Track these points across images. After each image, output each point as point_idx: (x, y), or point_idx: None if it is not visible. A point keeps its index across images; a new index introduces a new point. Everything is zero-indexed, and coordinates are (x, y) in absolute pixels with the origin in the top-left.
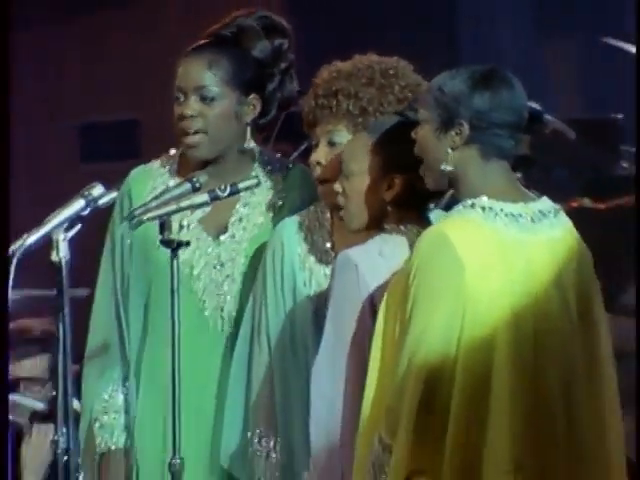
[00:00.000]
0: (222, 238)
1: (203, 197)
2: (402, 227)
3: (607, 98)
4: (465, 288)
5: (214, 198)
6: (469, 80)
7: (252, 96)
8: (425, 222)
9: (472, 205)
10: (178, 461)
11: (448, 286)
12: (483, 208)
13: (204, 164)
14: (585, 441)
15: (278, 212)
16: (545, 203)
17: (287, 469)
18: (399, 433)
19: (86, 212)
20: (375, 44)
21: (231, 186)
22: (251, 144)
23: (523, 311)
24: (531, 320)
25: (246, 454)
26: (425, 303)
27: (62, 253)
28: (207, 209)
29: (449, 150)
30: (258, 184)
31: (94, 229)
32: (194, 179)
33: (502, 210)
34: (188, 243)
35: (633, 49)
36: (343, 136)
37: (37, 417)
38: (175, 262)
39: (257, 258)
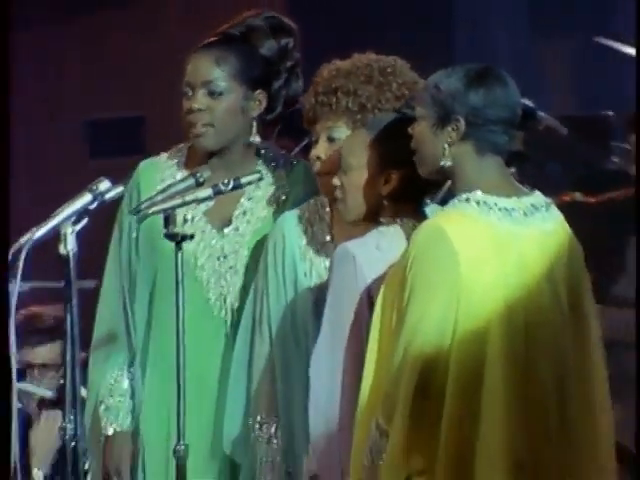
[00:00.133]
0: (226, 231)
1: (207, 191)
2: (398, 221)
3: (598, 96)
4: (460, 280)
5: (217, 192)
6: (464, 78)
7: (258, 92)
8: (421, 216)
9: (467, 199)
10: (182, 447)
11: (444, 278)
12: (478, 202)
13: (211, 156)
14: (576, 430)
15: (282, 206)
16: (537, 197)
17: (288, 452)
18: (395, 418)
19: (93, 206)
20: (375, 44)
21: (234, 180)
22: (257, 139)
23: (515, 303)
24: (523, 312)
25: (248, 440)
26: (421, 294)
27: (70, 246)
28: (211, 202)
29: (446, 145)
30: (260, 178)
31: (101, 222)
32: (198, 174)
33: (496, 204)
34: (192, 236)
35: (624, 48)
36: (342, 132)
37: (46, 404)
38: (180, 255)
39: (259, 250)
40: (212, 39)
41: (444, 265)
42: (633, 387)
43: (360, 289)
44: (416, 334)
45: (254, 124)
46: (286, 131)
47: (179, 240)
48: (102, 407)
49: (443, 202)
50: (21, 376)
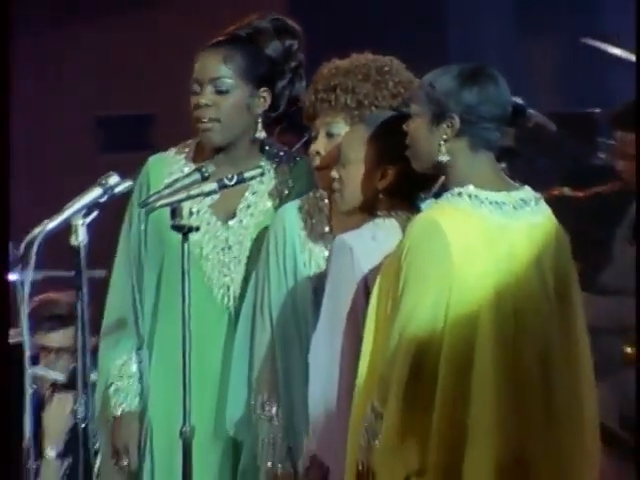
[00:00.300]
0: (230, 223)
1: (212, 185)
2: (393, 214)
3: (585, 94)
4: (452, 269)
5: (222, 186)
6: (459, 77)
7: (263, 90)
8: (415, 210)
9: (459, 194)
10: (188, 429)
11: (437, 268)
12: (470, 196)
13: (217, 152)
14: (562, 411)
15: (284, 200)
16: (527, 192)
17: (289, 430)
18: (389, 400)
19: (103, 199)
20: (375, 44)
21: (238, 175)
22: (262, 135)
23: (505, 290)
24: (512, 299)
25: (250, 420)
26: (415, 283)
27: (81, 237)
28: (217, 196)
29: (441, 142)
30: (262, 174)
31: (110, 215)
32: (203, 169)
33: (487, 198)
34: (198, 228)
35: (609, 49)
36: (341, 128)
37: (58, 387)
38: (186, 245)
39: (262, 242)
40: (220, 39)
41: (437, 256)
42: (614, 371)
43: (357, 278)
44: (410, 320)
45: (259, 121)
46: (288, 128)
47: (185, 231)
48: (112, 389)
49: (437, 197)
50: (34, 361)
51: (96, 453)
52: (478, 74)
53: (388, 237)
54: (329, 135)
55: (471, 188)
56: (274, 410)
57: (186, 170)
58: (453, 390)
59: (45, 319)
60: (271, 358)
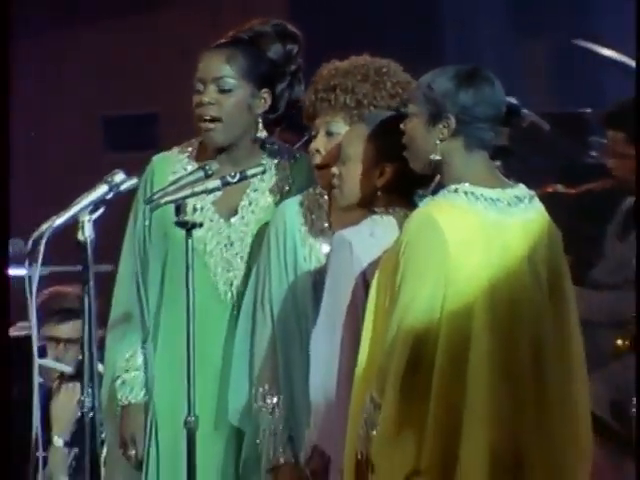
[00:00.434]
0: (233, 220)
1: (215, 183)
2: (391, 210)
3: (578, 94)
4: (449, 263)
5: (225, 184)
6: (455, 78)
7: (264, 90)
8: (412, 206)
9: (456, 190)
10: (193, 419)
11: (434, 262)
12: (466, 193)
13: (220, 151)
14: (555, 404)
15: (285, 197)
16: (521, 190)
17: (290, 420)
18: (387, 391)
19: (109, 196)
20: (374, 45)
21: (240, 173)
22: (263, 134)
23: (499, 282)
24: (506, 291)
25: (251, 410)
26: (413, 277)
27: (87, 233)
28: (219, 193)
29: (437, 141)
30: (264, 171)
31: (116, 212)
32: (206, 167)
33: (482, 195)
34: (201, 224)
35: (602, 50)
36: (340, 127)
37: (65, 378)
38: (190, 241)
39: (262, 238)
40: (223, 40)
41: (434, 250)
42: (604, 362)
43: (356, 273)
44: (408, 312)
45: (260, 121)
46: (288, 127)
47: (189, 228)
48: (119, 381)
49: (433, 194)
50: (42, 353)
51: (102, 443)
52: (474, 76)
53: (386, 233)
54: (329, 134)
55: (467, 185)
56: (275, 401)
57: (189, 169)
58: (449, 380)
59: (55, 311)
60: (272, 351)
